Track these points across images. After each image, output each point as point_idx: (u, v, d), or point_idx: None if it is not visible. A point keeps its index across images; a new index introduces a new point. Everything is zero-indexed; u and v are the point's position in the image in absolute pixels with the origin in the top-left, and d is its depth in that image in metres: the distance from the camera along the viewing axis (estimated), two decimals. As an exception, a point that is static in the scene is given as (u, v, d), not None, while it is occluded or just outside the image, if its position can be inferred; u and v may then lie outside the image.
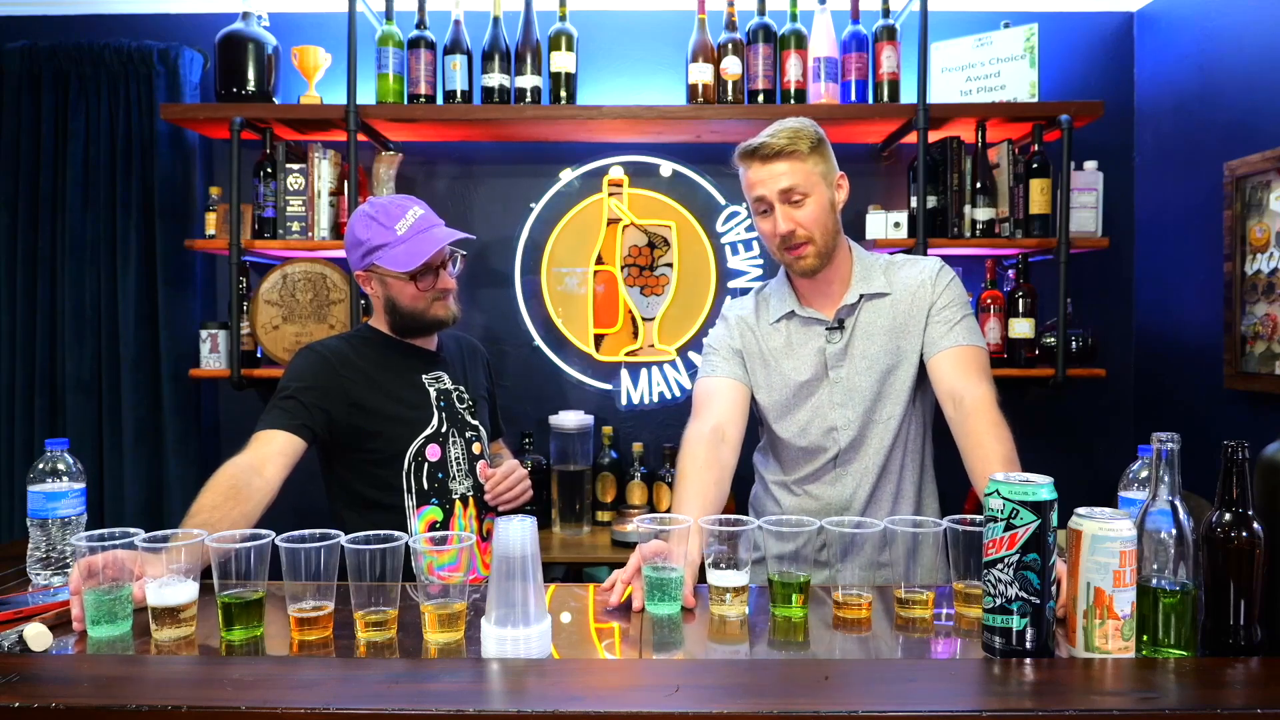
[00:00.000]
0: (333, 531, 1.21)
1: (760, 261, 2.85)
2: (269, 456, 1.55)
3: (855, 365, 1.66)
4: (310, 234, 2.58)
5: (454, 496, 1.77)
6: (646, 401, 2.88)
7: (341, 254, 2.62)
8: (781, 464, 1.77)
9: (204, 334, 2.64)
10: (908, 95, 2.65)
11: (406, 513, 1.73)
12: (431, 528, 1.73)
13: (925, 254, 2.52)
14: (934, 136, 2.62)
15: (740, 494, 2.76)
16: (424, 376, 1.80)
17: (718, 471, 1.61)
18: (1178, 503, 1.09)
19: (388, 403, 1.74)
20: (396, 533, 1.21)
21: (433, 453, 1.76)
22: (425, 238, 1.73)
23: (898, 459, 1.68)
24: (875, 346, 1.66)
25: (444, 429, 1.78)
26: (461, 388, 1.86)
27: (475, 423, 1.85)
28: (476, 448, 1.83)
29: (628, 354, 2.86)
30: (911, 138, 2.57)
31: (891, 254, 2.64)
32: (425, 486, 1.74)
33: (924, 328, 1.65)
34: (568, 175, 2.86)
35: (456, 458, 1.78)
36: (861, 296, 1.68)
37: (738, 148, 1.66)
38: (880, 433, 1.67)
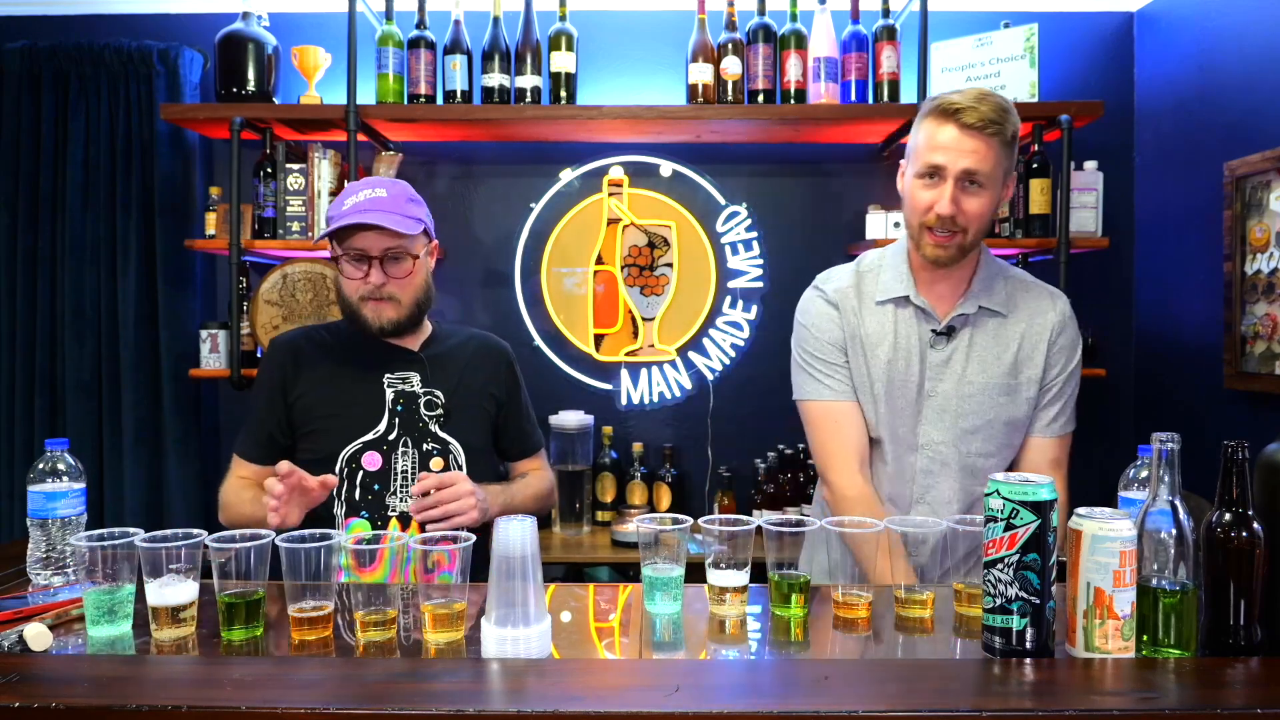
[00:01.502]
0: (332, 532, 1.20)
1: (760, 261, 2.85)
2: (247, 482, 1.65)
3: (959, 388, 1.53)
4: (310, 234, 2.58)
5: (390, 513, 1.58)
6: (646, 401, 2.88)
7: (341, 254, 2.61)
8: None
9: (204, 334, 2.64)
10: (908, 95, 2.65)
11: (335, 522, 1.58)
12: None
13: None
14: (934, 136, 2.61)
15: (740, 496, 2.78)
16: (388, 376, 1.64)
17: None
18: (1178, 503, 1.09)
19: (329, 400, 1.62)
20: (395, 531, 1.21)
21: (370, 460, 1.59)
22: (356, 212, 1.56)
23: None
24: (984, 377, 1.53)
25: (392, 436, 1.61)
26: (436, 393, 1.65)
27: (445, 435, 1.64)
28: (437, 463, 1.62)
29: (628, 354, 2.86)
30: (911, 138, 2.57)
31: (1012, 263, 2.60)
32: (356, 497, 1.58)
33: (1037, 392, 1.55)
34: (568, 175, 2.86)
35: (403, 470, 1.60)
36: (980, 308, 1.54)
37: (933, 100, 1.47)
38: (966, 468, 1.55)
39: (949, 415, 1.53)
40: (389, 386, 1.64)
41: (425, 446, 1.63)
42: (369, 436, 1.60)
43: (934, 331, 1.54)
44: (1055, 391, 1.57)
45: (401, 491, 1.60)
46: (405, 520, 1.58)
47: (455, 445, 1.65)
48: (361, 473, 1.60)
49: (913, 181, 1.50)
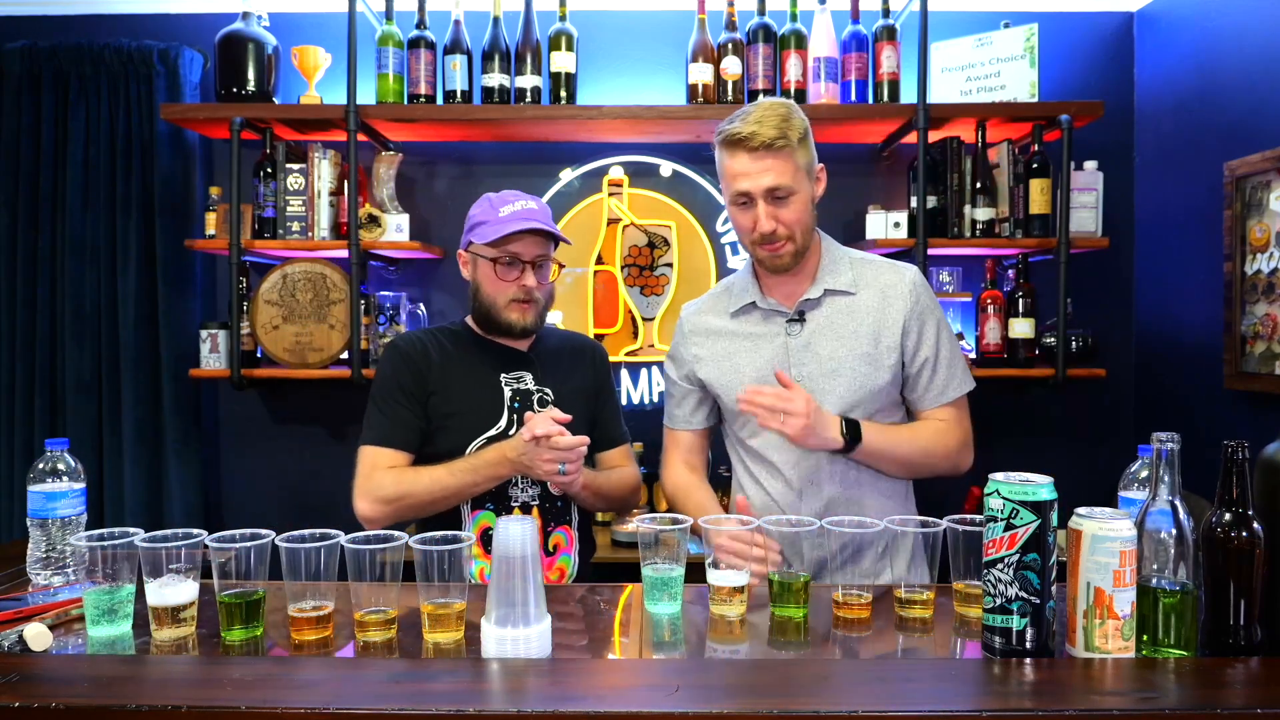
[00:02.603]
0: (333, 531, 1.20)
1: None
2: (406, 467, 1.69)
3: (822, 366, 1.58)
4: (310, 234, 2.58)
5: (513, 504, 1.69)
6: (646, 401, 2.88)
7: (341, 254, 2.62)
8: (746, 463, 1.71)
9: (204, 334, 2.64)
10: (908, 95, 2.65)
11: (462, 515, 1.69)
12: (484, 534, 1.67)
13: (925, 254, 2.52)
14: (934, 136, 2.62)
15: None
16: (504, 375, 1.74)
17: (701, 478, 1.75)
18: (1178, 503, 1.09)
19: (455, 399, 1.71)
20: (396, 532, 1.21)
21: None
22: (518, 220, 1.67)
23: (868, 475, 1.60)
24: (843, 350, 1.58)
25: (511, 431, 1.70)
26: (547, 390, 1.75)
27: None
28: None
29: (628, 354, 2.86)
30: (911, 138, 2.57)
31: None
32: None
33: (901, 358, 1.59)
34: (568, 175, 2.86)
35: None
36: (826, 291, 1.61)
37: (721, 129, 1.54)
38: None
39: (818, 394, 1.57)
40: (506, 385, 1.74)
41: None
42: (492, 432, 1.70)
43: (787, 320, 1.62)
44: (929, 360, 1.60)
45: (523, 482, 1.70)
46: (526, 509, 1.70)
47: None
48: None
49: (730, 208, 1.60)
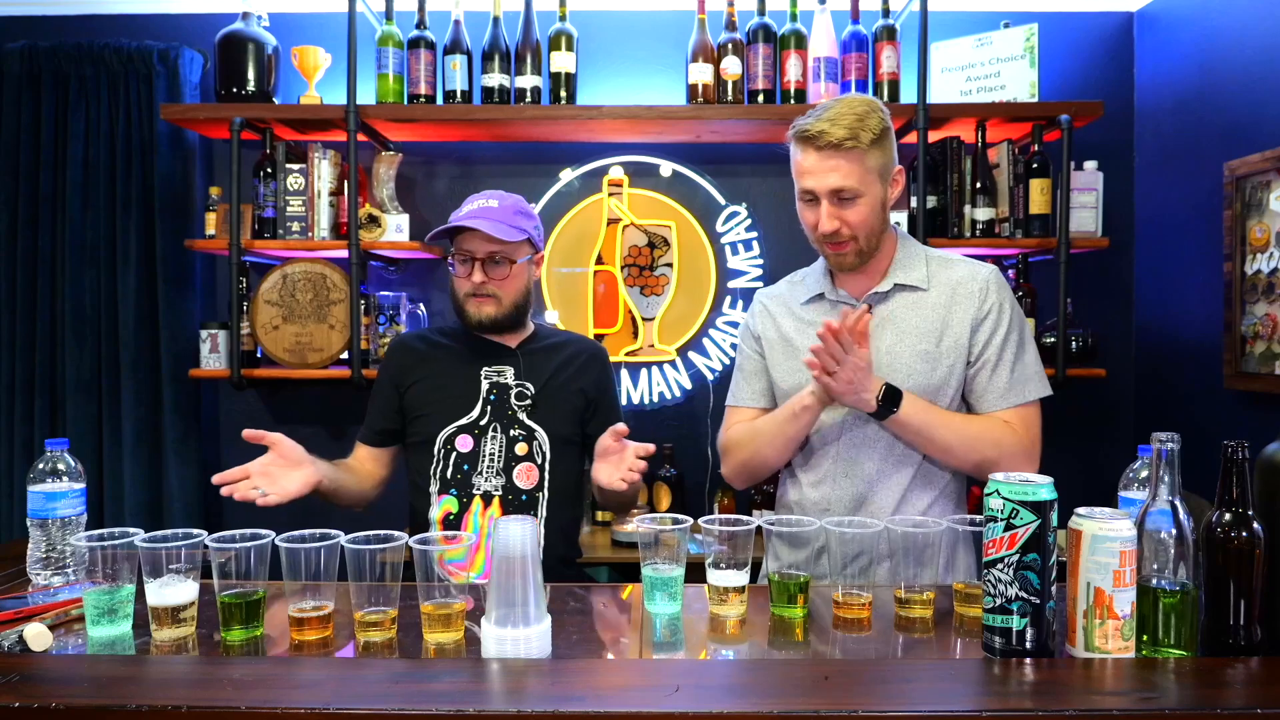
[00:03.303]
0: (333, 531, 1.21)
1: (760, 261, 2.86)
2: (361, 461, 1.84)
3: (879, 359, 1.54)
4: (310, 234, 2.58)
5: (475, 491, 1.74)
6: (646, 402, 2.88)
7: (341, 254, 2.62)
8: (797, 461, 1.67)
9: (204, 334, 2.64)
10: (908, 95, 2.65)
11: (430, 499, 1.75)
12: (445, 519, 1.73)
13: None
14: (934, 136, 2.62)
15: (740, 496, 2.78)
16: (485, 369, 1.79)
17: None
18: (1178, 503, 1.09)
19: (433, 389, 1.79)
20: (396, 532, 1.21)
21: (463, 443, 1.75)
22: (468, 218, 1.73)
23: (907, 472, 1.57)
24: (901, 345, 1.55)
25: (483, 422, 1.76)
26: (527, 385, 1.78)
27: (531, 424, 1.77)
28: (521, 448, 1.75)
29: (628, 354, 2.86)
30: (911, 138, 2.57)
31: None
32: (449, 476, 1.74)
33: (966, 358, 1.55)
34: (568, 175, 2.86)
35: (491, 453, 1.75)
36: (896, 286, 1.58)
37: (795, 124, 1.52)
38: (901, 459, 1.56)
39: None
40: (485, 378, 1.79)
41: (512, 432, 1.77)
42: (463, 421, 1.76)
43: None
44: (992, 361, 1.55)
45: (488, 472, 1.75)
46: (487, 499, 1.74)
47: (541, 433, 1.78)
48: (455, 454, 1.75)
49: (798, 203, 1.58)
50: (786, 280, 1.75)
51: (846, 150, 1.46)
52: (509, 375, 1.79)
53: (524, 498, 1.74)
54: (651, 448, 1.55)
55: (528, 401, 1.77)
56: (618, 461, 1.57)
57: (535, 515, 1.75)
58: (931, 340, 1.55)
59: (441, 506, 1.74)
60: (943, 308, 1.57)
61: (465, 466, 1.74)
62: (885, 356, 1.55)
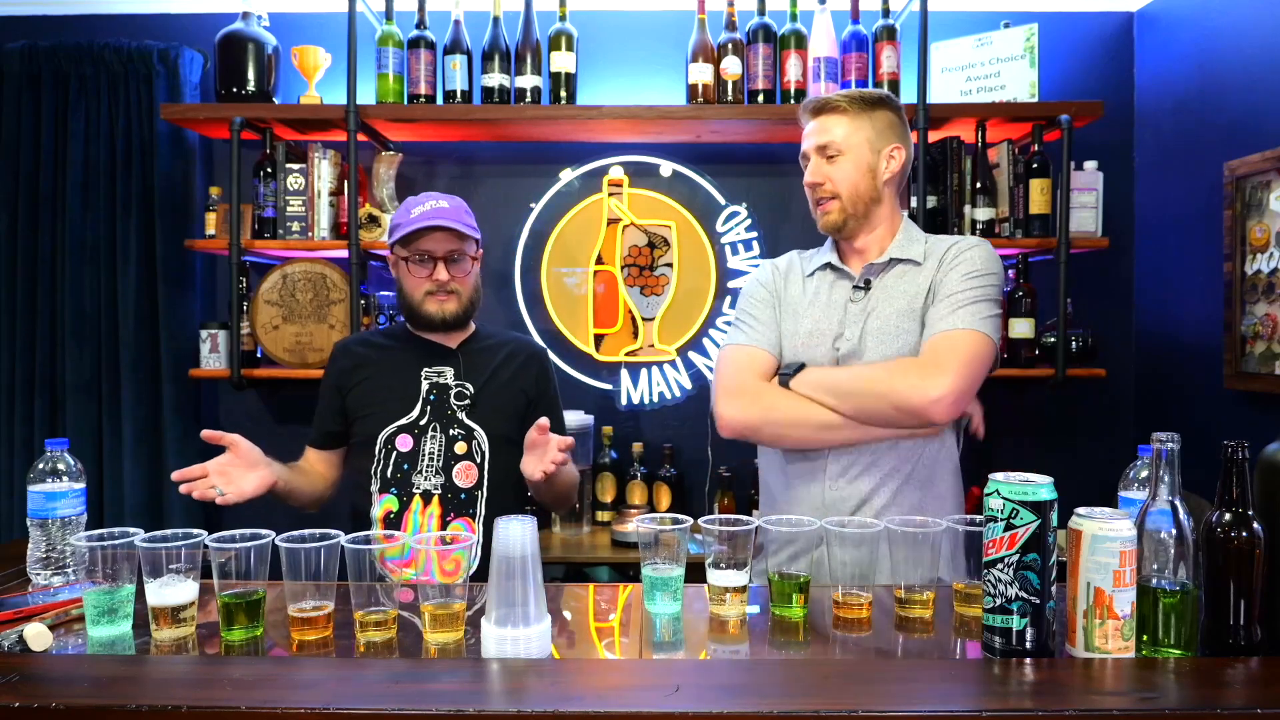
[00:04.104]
0: (333, 531, 1.21)
1: (760, 261, 2.85)
2: (312, 464, 1.88)
3: (880, 326, 1.59)
4: (310, 234, 2.58)
5: (414, 490, 1.75)
6: (646, 402, 2.88)
7: (341, 254, 2.62)
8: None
9: (204, 334, 2.64)
10: (908, 95, 2.65)
11: (372, 498, 1.76)
12: (386, 518, 1.74)
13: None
14: (934, 136, 2.62)
15: (740, 496, 2.78)
16: (425, 370, 1.81)
17: None
18: (1178, 503, 1.09)
19: (374, 390, 1.81)
20: (397, 533, 1.21)
21: (404, 443, 1.76)
22: (426, 218, 1.77)
23: (905, 452, 1.57)
24: (895, 311, 1.59)
25: (423, 421, 1.78)
26: (467, 385, 1.81)
27: (471, 423, 1.79)
28: (460, 447, 1.77)
29: (628, 354, 2.86)
30: (911, 138, 2.56)
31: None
32: (389, 475, 1.76)
33: (926, 304, 1.59)
34: (568, 175, 2.86)
35: (430, 453, 1.76)
36: (892, 260, 1.64)
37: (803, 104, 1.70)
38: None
39: (870, 356, 1.59)
40: (425, 379, 1.81)
41: (452, 432, 1.78)
42: (403, 421, 1.78)
43: (854, 286, 1.66)
44: (945, 290, 1.56)
45: (427, 471, 1.76)
46: (427, 498, 1.75)
47: (480, 433, 1.80)
48: (395, 453, 1.76)
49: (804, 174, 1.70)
50: (796, 253, 1.81)
51: (836, 109, 1.62)
52: (449, 375, 1.82)
53: (463, 496, 1.76)
54: (571, 440, 1.61)
55: (467, 401, 1.80)
56: (541, 454, 1.62)
57: (474, 514, 1.76)
58: (920, 301, 1.61)
59: (382, 505, 1.75)
60: (931, 272, 1.63)
61: (405, 466, 1.76)
62: (877, 321, 1.61)
